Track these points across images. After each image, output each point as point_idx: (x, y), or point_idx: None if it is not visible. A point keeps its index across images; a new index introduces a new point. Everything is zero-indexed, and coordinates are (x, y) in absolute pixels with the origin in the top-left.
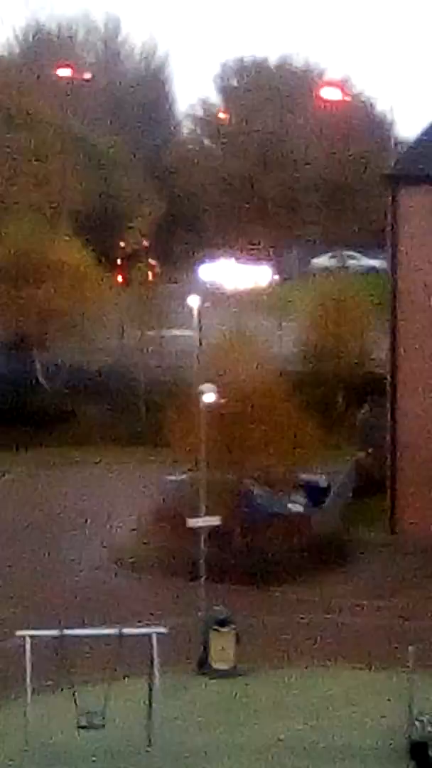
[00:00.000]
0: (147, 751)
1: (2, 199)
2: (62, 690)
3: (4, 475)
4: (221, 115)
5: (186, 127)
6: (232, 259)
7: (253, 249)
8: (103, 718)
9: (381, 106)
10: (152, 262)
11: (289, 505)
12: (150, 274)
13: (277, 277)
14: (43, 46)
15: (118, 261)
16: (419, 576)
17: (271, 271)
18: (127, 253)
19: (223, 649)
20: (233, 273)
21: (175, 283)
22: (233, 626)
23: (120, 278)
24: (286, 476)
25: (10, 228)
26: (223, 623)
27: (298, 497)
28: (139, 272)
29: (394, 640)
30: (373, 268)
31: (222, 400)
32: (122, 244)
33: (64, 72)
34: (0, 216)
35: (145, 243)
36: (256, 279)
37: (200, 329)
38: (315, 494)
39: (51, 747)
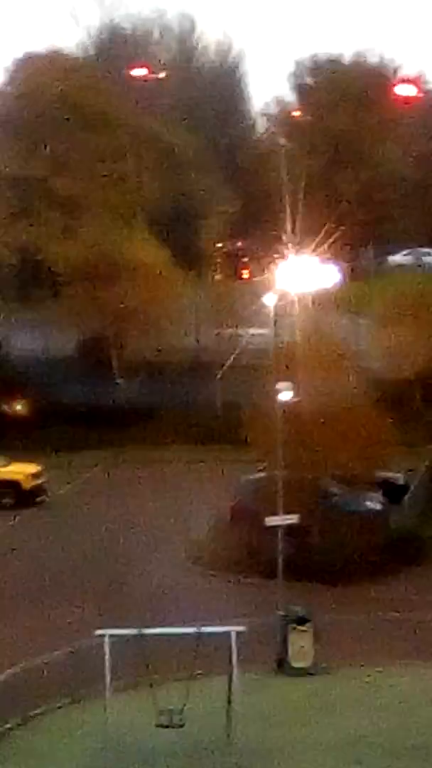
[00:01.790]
0: (226, 750)
1: (79, 200)
2: (141, 689)
3: (82, 475)
4: (296, 113)
5: (261, 126)
6: (307, 258)
7: (328, 247)
8: (183, 716)
9: None
10: (244, 260)
11: (367, 503)
12: (245, 271)
13: (340, 276)
14: (118, 46)
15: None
16: None
17: (339, 269)
18: (210, 252)
19: (301, 647)
20: (307, 271)
21: (252, 281)
22: (312, 624)
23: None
24: (364, 474)
25: (86, 228)
26: (301, 621)
27: (376, 495)
28: (219, 270)
29: None
30: None
31: (298, 399)
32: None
33: (138, 72)
34: (76, 216)
35: (240, 243)
36: (328, 277)
37: (277, 327)
38: (393, 492)
39: (130, 746)
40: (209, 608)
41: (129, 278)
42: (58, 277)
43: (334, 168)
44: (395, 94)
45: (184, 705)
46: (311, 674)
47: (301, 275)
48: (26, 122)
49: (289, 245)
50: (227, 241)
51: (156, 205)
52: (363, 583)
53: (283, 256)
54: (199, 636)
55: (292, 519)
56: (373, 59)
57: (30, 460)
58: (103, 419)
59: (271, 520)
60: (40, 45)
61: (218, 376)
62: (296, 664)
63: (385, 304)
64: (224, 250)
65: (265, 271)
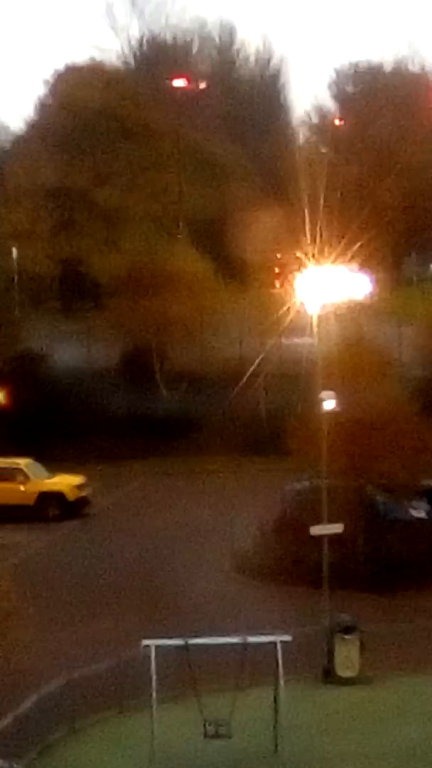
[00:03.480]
0: (273, 761)
1: (120, 211)
2: (188, 699)
3: (126, 486)
4: (337, 122)
5: (302, 135)
6: (339, 267)
7: (368, 256)
8: (229, 727)
9: None
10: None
11: (412, 512)
12: (279, 282)
13: (371, 286)
14: (158, 57)
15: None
16: None
17: (372, 279)
18: (253, 262)
19: (348, 656)
20: (337, 281)
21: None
22: (358, 633)
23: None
24: (409, 482)
25: (128, 239)
26: (347, 630)
27: (421, 503)
28: (262, 280)
29: None
30: None
31: (342, 407)
32: (278, 255)
33: (179, 82)
34: (119, 228)
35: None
36: (359, 287)
37: (319, 336)
38: None
39: (177, 757)
40: (255, 618)
41: (171, 289)
42: (101, 289)
43: (376, 176)
44: None
45: (231, 715)
46: (358, 684)
47: (330, 285)
48: (67, 134)
49: (325, 254)
50: (269, 251)
51: (197, 216)
52: (408, 592)
53: (315, 265)
54: (244, 646)
55: (337, 528)
56: (414, 67)
57: (74, 472)
58: (147, 430)
59: (316, 529)
60: (80, 57)
61: (262, 386)
62: (343, 674)
63: (428, 311)
64: (269, 260)
65: (295, 282)
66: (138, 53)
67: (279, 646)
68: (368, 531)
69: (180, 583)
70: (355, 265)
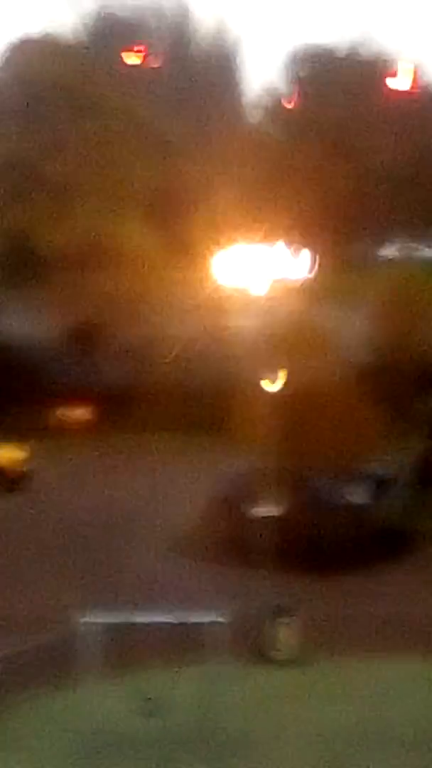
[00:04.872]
0: (207, 740)
1: (70, 185)
2: (124, 677)
3: (65, 461)
4: (289, 105)
5: (254, 116)
6: (289, 247)
7: (315, 237)
8: (165, 704)
9: None
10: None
11: (352, 496)
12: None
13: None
14: (113, 32)
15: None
16: None
17: (312, 260)
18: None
19: (283, 638)
20: (289, 262)
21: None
22: (294, 615)
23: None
24: (350, 467)
25: (77, 213)
26: (284, 612)
27: (361, 488)
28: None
29: None
30: None
31: (285, 390)
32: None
33: (132, 59)
34: (67, 201)
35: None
36: (298, 268)
37: (263, 317)
38: (379, 485)
39: (112, 733)
40: (192, 598)
41: (117, 265)
42: (48, 263)
43: (327, 159)
44: (389, 87)
45: (166, 693)
46: (293, 666)
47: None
48: (19, 106)
49: (268, 234)
50: (216, 229)
51: (147, 194)
52: (346, 575)
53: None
54: (181, 625)
55: (276, 510)
56: (367, 51)
57: (14, 445)
58: (88, 405)
59: (256, 511)
60: (34, 30)
61: (204, 365)
62: (278, 655)
63: (376, 296)
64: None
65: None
66: (93, 28)
67: (215, 627)
68: (307, 514)
69: (118, 562)
70: (298, 246)
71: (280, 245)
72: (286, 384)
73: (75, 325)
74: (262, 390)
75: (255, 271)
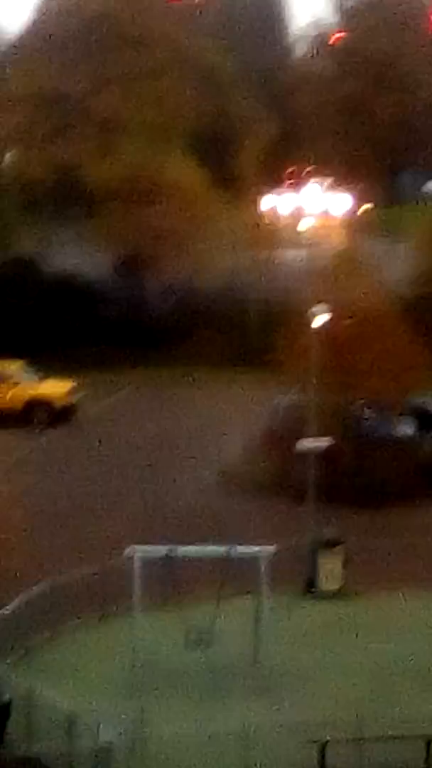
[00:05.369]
0: (253, 670)
1: (116, 119)
2: (170, 608)
3: (114, 395)
4: (335, 36)
5: (300, 48)
6: (333, 183)
7: (361, 173)
8: (211, 636)
9: None
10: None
11: (399, 429)
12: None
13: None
14: None
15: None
16: None
17: (354, 197)
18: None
19: (331, 570)
20: (337, 197)
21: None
22: (342, 547)
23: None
24: (397, 400)
25: (123, 147)
26: (331, 544)
27: (409, 421)
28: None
29: None
30: None
31: (332, 323)
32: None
33: None
34: (114, 135)
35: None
36: (341, 204)
37: (310, 250)
38: (426, 419)
39: (159, 664)
40: (240, 529)
41: (165, 199)
42: (96, 197)
43: (373, 92)
44: None
45: (213, 625)
46: (340, 597)
47: (314, 200)
48: (65, 40)
49: (317, 170)
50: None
51: (194, 126)
52: (394, 508)
53: (317, 180)
54: (229, 556)
55: (324, 443)
56: None
57: (63, 378)
58: (137, 338)
59: (303, 444)
60: None
61: (253, 297)
62: (325, 587)
63: (421, 229)
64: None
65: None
66: None
67: (263, 558)
68: (355, 447)
69: (166, 494)
70: (342, 182)
71: (326, 179)
72: (332, 317)
73: (123, 258)
74: (309, 323)
75: (301, 205)
